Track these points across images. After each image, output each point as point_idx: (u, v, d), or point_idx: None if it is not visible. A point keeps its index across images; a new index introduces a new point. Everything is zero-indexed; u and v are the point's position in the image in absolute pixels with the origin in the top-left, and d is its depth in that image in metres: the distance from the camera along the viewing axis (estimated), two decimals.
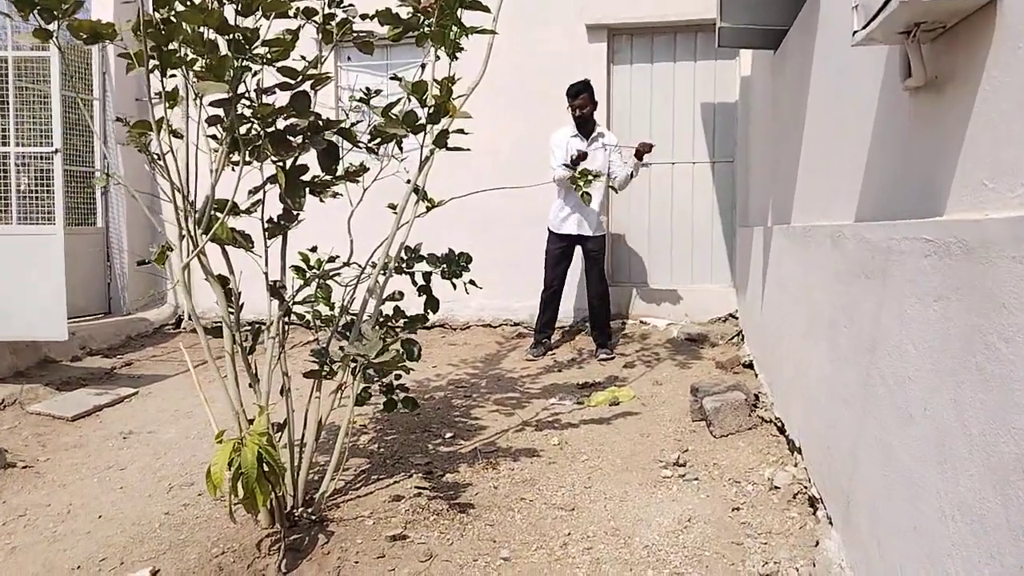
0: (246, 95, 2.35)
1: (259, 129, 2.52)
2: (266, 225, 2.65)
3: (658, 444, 3.42)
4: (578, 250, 5.47)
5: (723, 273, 6.14)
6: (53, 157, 4.93)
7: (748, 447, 3.23)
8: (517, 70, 6.19)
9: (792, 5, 3.41)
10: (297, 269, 3.16)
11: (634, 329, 5.93)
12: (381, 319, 3.52)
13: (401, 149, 2.93)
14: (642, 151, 5.10)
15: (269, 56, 2.30)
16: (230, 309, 2.63)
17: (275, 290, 2.67)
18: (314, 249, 3.23)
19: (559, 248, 5.39)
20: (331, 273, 3.14)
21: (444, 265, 3.49)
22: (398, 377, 3.52)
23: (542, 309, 5.52)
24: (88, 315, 6.52)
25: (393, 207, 3.19)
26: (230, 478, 2.17)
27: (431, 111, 2.58)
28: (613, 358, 5.21)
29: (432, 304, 3.47)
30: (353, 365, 2.62)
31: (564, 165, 5.07)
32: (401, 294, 3.56)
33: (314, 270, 3.21)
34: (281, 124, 2.56)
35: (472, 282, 3.60)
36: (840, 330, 2.05)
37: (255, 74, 2.42)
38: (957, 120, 1.39)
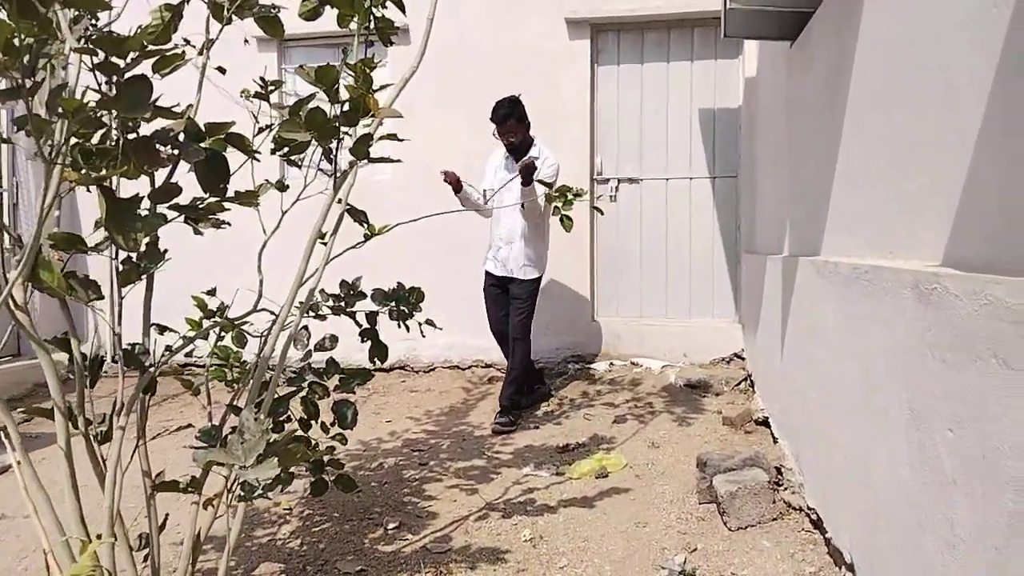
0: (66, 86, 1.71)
1: (117, 135, 1.89)
2: (120, 267, 2.00)
3: (658, 539, 2.78)
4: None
5: (726, 306, 5.54)
6: None
7: (775, 548, 2.59)
8: (490, 72, 5.60)
9: None
10: (190, 319, 2.54)
11: (624, 373, 5.29)
12: (309, 374, 2.95)
13: (331, 161, 2.29)
14: (525, 173, 4.10)
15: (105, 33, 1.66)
16: (70, 375, 1.98)
17: (131, 355, 2.01)
18: (212, 292, 2.60)
19: (490, 286, 4.67)
20: (237, 322, 2.50)
21: (392, 303, 2.89)
22: (331, 450, 2.90)
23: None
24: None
25: (323, 237, 2.59)
26: None
27: (345, 108, 1.95)
28: (513, 430, 4.29)
29: (379, 352, 2.89)
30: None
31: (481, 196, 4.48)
32: (334, 339, 2.98)
33: (213, 318, 2.59)
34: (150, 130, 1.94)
35: (430, 322, 2.99)
36: (937, 432, 1.42)
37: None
38: None
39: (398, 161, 2.24)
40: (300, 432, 2.80)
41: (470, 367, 5.73)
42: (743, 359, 5.19)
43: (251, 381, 2.23)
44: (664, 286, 5.62)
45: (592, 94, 5.59)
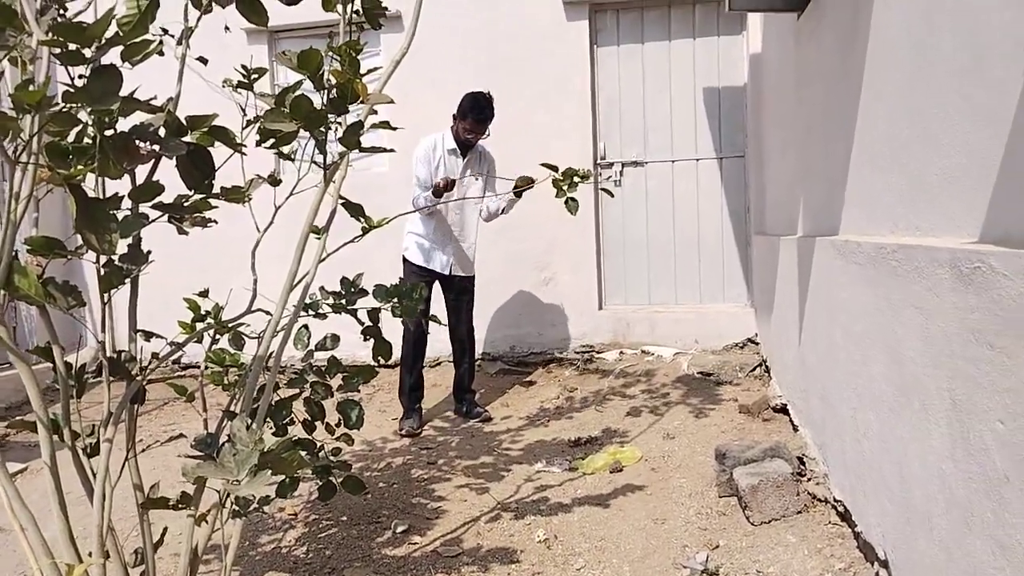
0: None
1: (94, 131, 1.79)
2: (101, 270, 1.90)
3: (678, 536, 2.68)
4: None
5: (737, 290, 5.43)
6: None
7: (801, 543, 2.49)
8: (486, 56, 5.48)
9: None
10: (182, 323, 2.45)
11: (635, 362, 5.18)
12: (311, 374, 2.87)
13: (323, 153, 2.18)
14: (522, 187, 3.89)
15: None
16: (54, 385, 1.88)
17: (118, 364, 1.91)
18: (205, 293, 2.50)
19: (421, 282, 4.19)
20: (232, 324, 2.40)
21: (394, 299, 2.80)
22: (337, 452, 2.81)
23: (408, 365, 4.39)
24: None
25: (317, 231, 2.50)
26: None
27: (332, 95, 1.84)
28: (491, 417, 4.43)
29: (382, 349, 2.80)
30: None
31: (430, 190, 4.16)
32: (335, 338, 2.90)
33: (207, 320, 2.49)
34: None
35: (434, 318, 2.92)
36: (985, 424, 1.32)
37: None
38: None
39: (391, 151, 2.14)
40: (304, 434, 2.73)
41: (477, 360, 5.62)
42: (757, 344, 5.09)
43: (247, 383, 2.14)
44: (673, 271, 5.51)
45: (592, 76, 5.47)
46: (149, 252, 1.94)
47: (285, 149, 2.18)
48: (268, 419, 2.71)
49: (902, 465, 1.83)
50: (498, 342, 5.59)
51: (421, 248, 4.34)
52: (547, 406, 4.58)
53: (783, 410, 3.82)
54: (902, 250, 1.76)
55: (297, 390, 2.73)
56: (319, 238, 2.62)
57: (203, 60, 2.25)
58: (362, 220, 2.65)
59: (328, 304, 2.78)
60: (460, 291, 4.46)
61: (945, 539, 1.54)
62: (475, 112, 4.14)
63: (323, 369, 2.79)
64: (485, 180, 4.38)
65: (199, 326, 2.50)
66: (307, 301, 2.68)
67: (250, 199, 2.57)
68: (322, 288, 2.86)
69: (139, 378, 1.93)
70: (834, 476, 2.66)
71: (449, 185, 4.07)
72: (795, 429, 3.48)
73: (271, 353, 2.13)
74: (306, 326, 2.84)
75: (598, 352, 5.40)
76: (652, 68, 5.45)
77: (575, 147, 5.36)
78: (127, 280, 1.93)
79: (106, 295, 1.90)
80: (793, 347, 3.44)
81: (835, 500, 2.60)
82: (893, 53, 2.02)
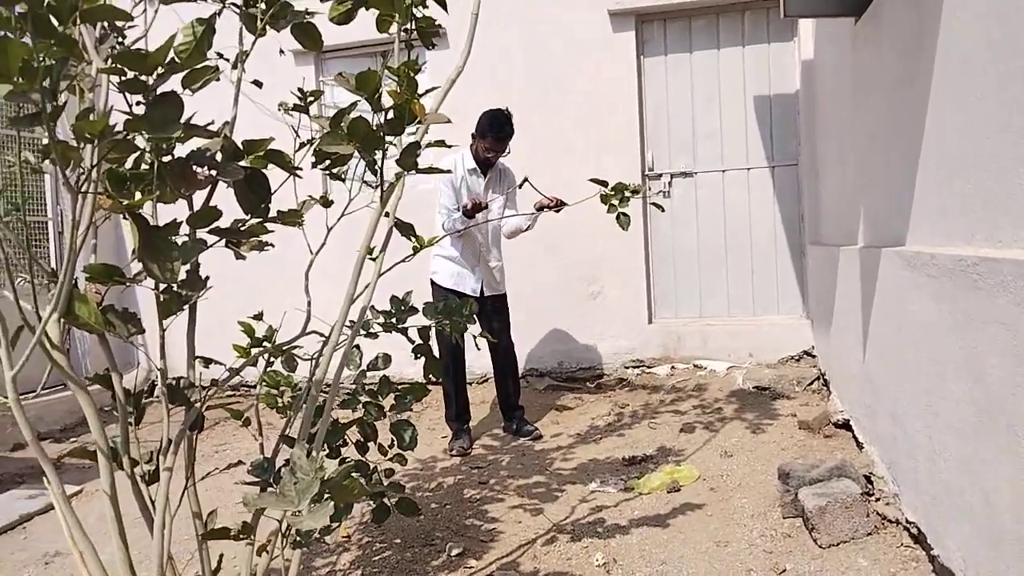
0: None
1: (151, 158, 1.80)
2: (160, 296, 1.90)
3: (743, 560, 2.60)
4: None
5: (792, 301, 5.30)
6: None
7: (873, 567, 2.39)
8: (529, 68, 5.48)
9: None
10: (237, 347, 2.45)
11: (687, 377, 5.08)
12: (363, 394, 2.86)
13: (375, 173, 2.17)
14: (548, 207, 3.93)
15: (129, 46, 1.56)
16: (112, 411, 1.89)
17: (176, 391, 1.91)
18: (259, 316, 2.51)
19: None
20: (287, 347, 2.40)
21: (444, 317, 2.79)
22: (390, 473, 2.79)
23: (451, 389, 4.36)
24: (45, 388, 5.83)
25: (372, 253, 2.50)
26: None
27: (389, 116, 1.82)
28: (541, 434, 4.36)
29: (433, 367, 2.80)
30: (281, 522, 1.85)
31: (457, 211, 4.11)
32: (387, 358, 2.89)
33: (262, 343, 2.50)
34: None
35: (484, 335, 2.89)
36: None
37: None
38: None
39: (448, 171, 2.12)
40: (357, 456, 2.71)
41: (524, 376, 5.58)
42: (814, 357, 4.95)
43: (303, 407, 2.13)
44: (725, 283, 5.40)
45: (639, 87, 5.41)
46: (207, 278, 1.95)
47: (336, 170, 2.17)
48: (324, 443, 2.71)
49: (987, 488, 1.73)
50: (546, 357, 5.54)
51: (450, 271, 4.28)
52: (598, 423, 4.51)
53: (845, 426, 3.70)
54: (985, 263, 1.67)
55: (350, 411, 2.73)
56: (374, 259, 2.62)
57: (258, 84, 2.26)
58: (413, 239, 2.64)
59: (379, 323, 2.77)
60: (493, 311, 4.39)
61: None
62: (494, 131, 4.07)
63: (375, 390, 2.78)
64: (507, 197, 4.32)
65: (254, 350, 2.51)
66: (363, 320, 2.68)
67: (304, 222, 2.59)
68: (372, 307, 2.86)
69: (198, 405, 1.93)
70: (906, 496, 2.55)
71: (479, 206, 4.01)
72: (860, 447, 3.36)
73: (328, 375, 2.11)
74: (357, 346, 2.84)
75: (649, 367, 5.31)
76: (701, 77, 5.38)
77: (623, 160, 5.31)
78: (185, 307, 1.94)
79: (164, 322, 1.90)
80: (856, 361, 3.33)
81: (907, 522, 2.49)
82: (968, 58, 1.93)
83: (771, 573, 2.47)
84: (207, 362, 1.98)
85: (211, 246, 1.95)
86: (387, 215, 2.11)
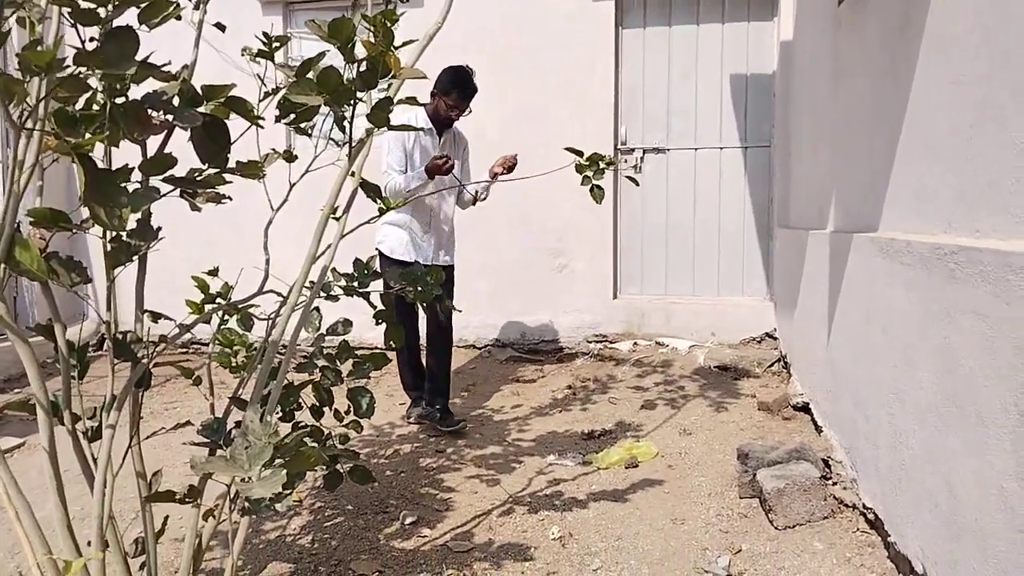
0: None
1: (103, 98, 1.69)
2: (108, 246, 1.80)
3: (698, 538, 2.60)
4: None
5: (757, 283, 5.32)
6: None
7: (829, 551, 2.41)
8: (506, 34, 5.36)
9: None
10: (190, 302, 2.37)
11: (649, 353, 5.09)
12: (320, 358, 2.79)
13: (343, 129, 2.08)
14: (502, 169, 3.75)
15: None
16: (48, 360, 1.79)
17: (123, 345, 1.82)
18: (214, 272, 2.41)
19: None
20: (242, 305, 2.31)
21: (407, 284, 2.71)
22: (345, 439, 2.73)
23: (406, 356, 4.20)
24: None
25: (335, 213, 2.42)
26: None
27: (362, 68, 1.73)
28: (465, 426, 3.97)
29: (395, 335, 2.72)
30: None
31: (411, 172, 3.77)
32: (348, 323, 2.83)
33: (216, 300, 2.42)
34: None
35: (451, 307, 2.81)
36: None
37: None
38: None
39: (423, 129, 2.04)
40: (312, 421, 2.65)
41: (486, 346, 5.54)
42: (776, 339, 4.99)
43: (258, 368, 2.05)
44: (691, 262, 5.40)
45: (616, 59, 5.34)
46: (159, 228, 1.85)
47: (304, 124, 2.08)
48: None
49: (951, 479, 1.73)
50: (508, 329, 5.50)
51: (400, 240, 3.95)
52: (558, 396, 4.49)
53: (804, 409, 3.73)
54: (964, 252, 1.66)
55: (307, 375, 2.66)
56: (338, 219, 2.53)
57: (220, 27, 2.14)
58: (379, 201, 2.56)
59: (340, 286, 2.70)
60: (446, 279, 4.17)
61: (1003, 562, 1.45)
62: (460, 87, 3.77)
63: (333, 354, 2.71)
64: (461, 162, 4.04)
65: (208, 307, 2.43)
66: (324, 282, 2.60)
67: (264, 175, 2.48)
68: (334, 270, 2.77)
69: (145, 361, 1.84)
70: (864, 482, 2.57)
71: (449, 166, 3.65)
72: (818, 430, 3.38)
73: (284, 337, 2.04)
74: (317, 308, 2.76)
75: (611, 342, 5.30)
76: (678, 52, 5.32)
77: (596, 132, 5.25)
78: (135, 257, 1.84)
79: (112, 272, 1.81)
80: (820, 345, 3.34)
81: (865, 507, 2.51)
82: (957, 43, 1.90)
83: (727, 552, 2.48)
84: (156, 317, 1.88)
85: (165, 195, 1.85)
86: (353, 174, 2.02)
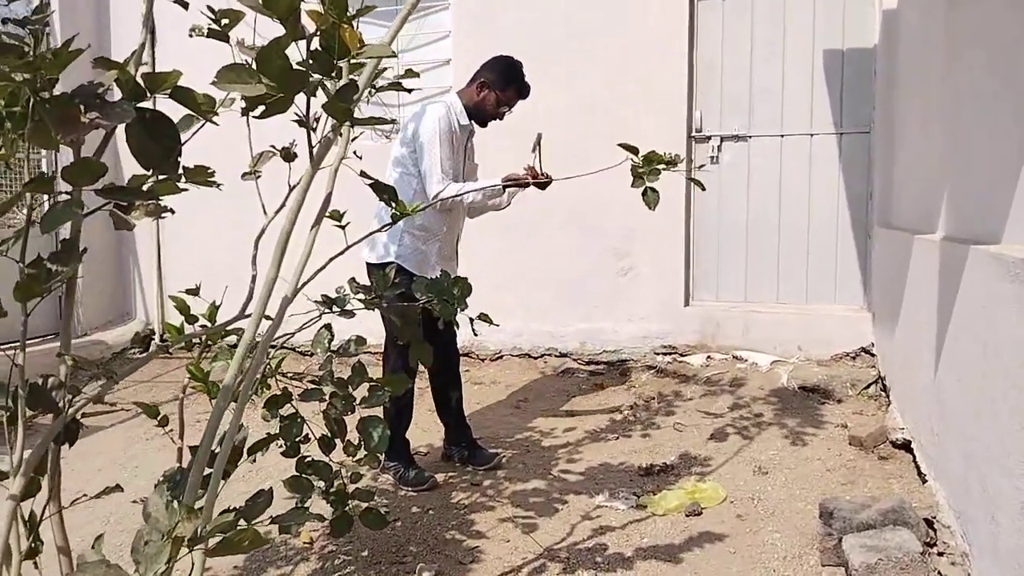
0: None
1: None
2: (25, 272, 1.52)
3: None
4: None
5: (852, 290, 4.77)
6: None
7: None
8: (563, 14, 4.96)
9: None
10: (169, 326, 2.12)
11: (724, 369, 4.61)
12: (330, 383, 2.56)
13: (303, 124, 1.75)
14: (524, 183, 3.18)
15: None
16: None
17: (39, 392, 1.53)
18: (195, 291, 2.15)
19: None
20: (224, 329, 2.02)
21: (432, 296, 2.42)
22: (358, 478, 2.47)
23: (403, 408, 3.41)
24: (34, 338, 5.56)
25: (339, 217, 2.14)
26: None
27: (314, 47, 1.39)
28: (503, 458, 3.53)
29: (421, 354, 2.46)
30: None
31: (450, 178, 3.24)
32: (361, 341, 2.60)
33: (198, 322, 2.17)
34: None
35: (485, 317, 2.39)
36: None
37: None
38: None
39: (392, 121, 1.69)
40: (321, 456, 2.38)
41: (542, 356, 5.17)
42: (873, 356, 4.44)
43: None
44: (775, 265, 4.89)
45: (691, 36, 4.88)
46: (84, 250, 1.56)
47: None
48: (280, 439, 2.36)
49: None
50: (567, 337, 5.11)
51: (424, 252, 3.34)
52: (616, 418, 4.09)
53: (905, 447, 3.23)
54: None
55: (317, 403, 2.42)
56: (341, 226, 2.23)
57: (183, 4, 1.84)
58: (394, 205, 2.26)
59: (358, 299, 2.43)
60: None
61: None
62: (520, 84, 3.35)
63: (345, 379, 2.45)
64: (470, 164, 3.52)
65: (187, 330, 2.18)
66: (321, 297, 2.35)
67: (259, 176, 2.19)
68: (352, 280, 2.49)
69: (70, 411, 1.55)
70: (978, 562, 2.09)
71: (547, 183, 3.14)
72: (922, 478, 2.89)
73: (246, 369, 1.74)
74: (328, 326, 2.48)
75: (681, 355, 4.85)
76: (763, 26, 4.81)
77: (666, 120, 4.81)
78: (57, 286, 1.56)
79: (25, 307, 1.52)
80: (925, 374, 2.85)
81: None
82: None
83: None
84: (75, 363, 1.59)
85: (93, 212, 1.57)
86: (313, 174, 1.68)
